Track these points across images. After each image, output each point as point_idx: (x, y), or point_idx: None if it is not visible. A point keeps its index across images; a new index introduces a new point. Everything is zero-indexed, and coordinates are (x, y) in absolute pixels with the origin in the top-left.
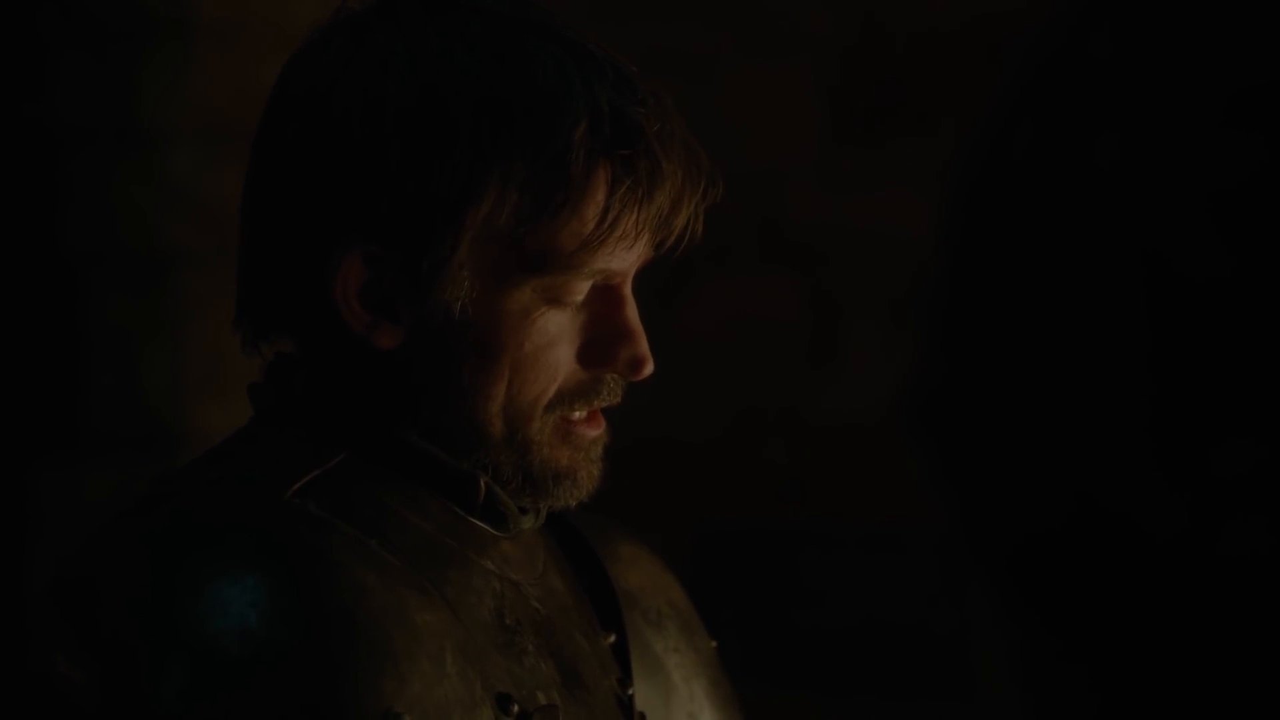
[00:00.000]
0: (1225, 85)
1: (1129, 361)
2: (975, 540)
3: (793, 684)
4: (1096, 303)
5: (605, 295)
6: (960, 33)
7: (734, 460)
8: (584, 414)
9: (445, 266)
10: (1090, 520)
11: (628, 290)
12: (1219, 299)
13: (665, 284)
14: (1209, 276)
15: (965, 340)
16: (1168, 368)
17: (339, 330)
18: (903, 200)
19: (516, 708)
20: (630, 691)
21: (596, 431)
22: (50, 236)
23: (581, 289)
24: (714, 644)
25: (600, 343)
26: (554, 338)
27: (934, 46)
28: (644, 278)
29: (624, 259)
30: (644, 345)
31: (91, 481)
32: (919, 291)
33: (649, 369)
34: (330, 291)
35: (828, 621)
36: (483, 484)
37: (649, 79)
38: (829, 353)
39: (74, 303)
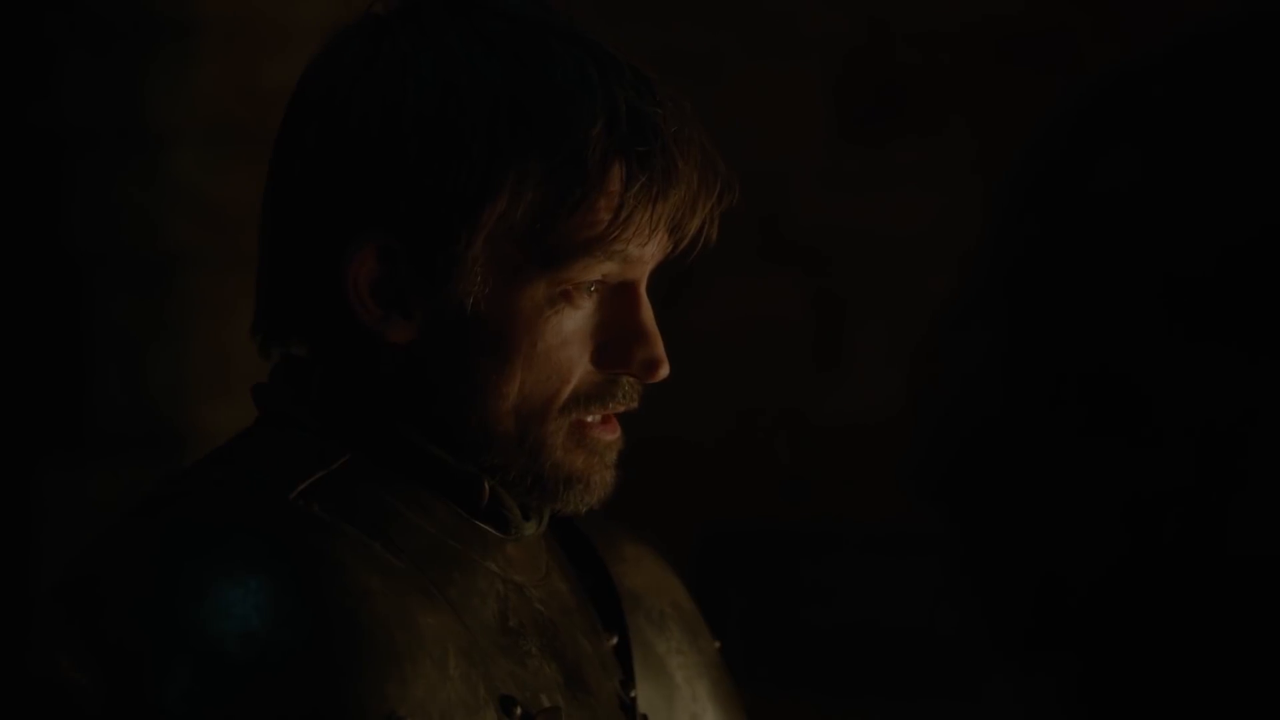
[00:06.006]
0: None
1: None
2: (995, 624)
3: (796, 684)
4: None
5: (620, 297)
6: (964, 34)
7: (738, 461)
8: (599, 418)
9: (459, 262)
10: (1124, 587)
11: (643, 292)
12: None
13: (670, 284)
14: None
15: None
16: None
17: (352, 328)
18: (907, 201)
19: (520, 710)
20: (633, 694)
21: (612, 436)
22: (55, 237)
23: (593, 285)
24: (717, 644)
25: (615, 344)
26: (567, 337)
27: (938, 47)
28: (650, 278)
29: (637, 258)
30: (659, 347)
31: (96, 481)
32: (983, 306)
33: (664, 371)
34: (343, 286)
35: (831, 622)
36: (487, 487)
37: (668, 82)
38: (833, 353)
39: (78, 303)
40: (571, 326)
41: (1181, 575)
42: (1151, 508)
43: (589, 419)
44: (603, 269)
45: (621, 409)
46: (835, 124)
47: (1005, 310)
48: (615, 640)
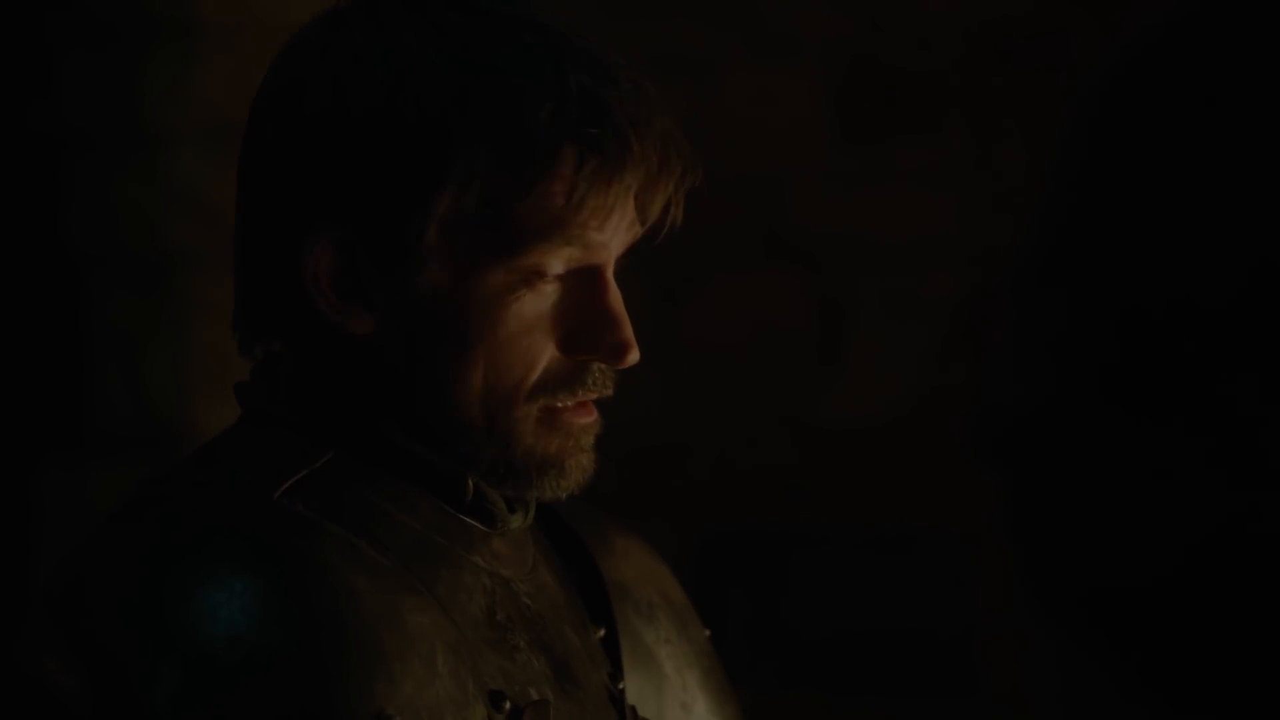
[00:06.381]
0: None
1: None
2: (1045, 586)
3: (797, 683)
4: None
5: (586, 281)
6: (965, 35)
7: (740, 463)
8: (572, 404)
9: (414, 251)
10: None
11: (609, 276)
12: None
13: (671, 287)
14: None
15: (1046, 362)
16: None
17: (319, 322)
18: (907, 202)
19: (509, 704)
20: (621, 685)
21: (587, 419)
22: (53, 238)
23: (554, 271)
24: (707, 633)
25: (582, 330)
26: (530, 323)
27: (939, 48)
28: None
29: (599, 242)
30: (627, 331)
31: (95, 481)
32: (984, 307)
33: (633, 356)
34: (303, 278)
35: (833, 623)
36: (470, 484)
37: (632, 68)
38: (835, 355)
39: (77, 303)
40: (534, 313)
41: (1229, 565)
42: (1203, 496)
43: (560, 405)
44: (563, 254)
45: (595, 396)
46: (837, 125)
47: (1054, 292)
48: (603, 632)
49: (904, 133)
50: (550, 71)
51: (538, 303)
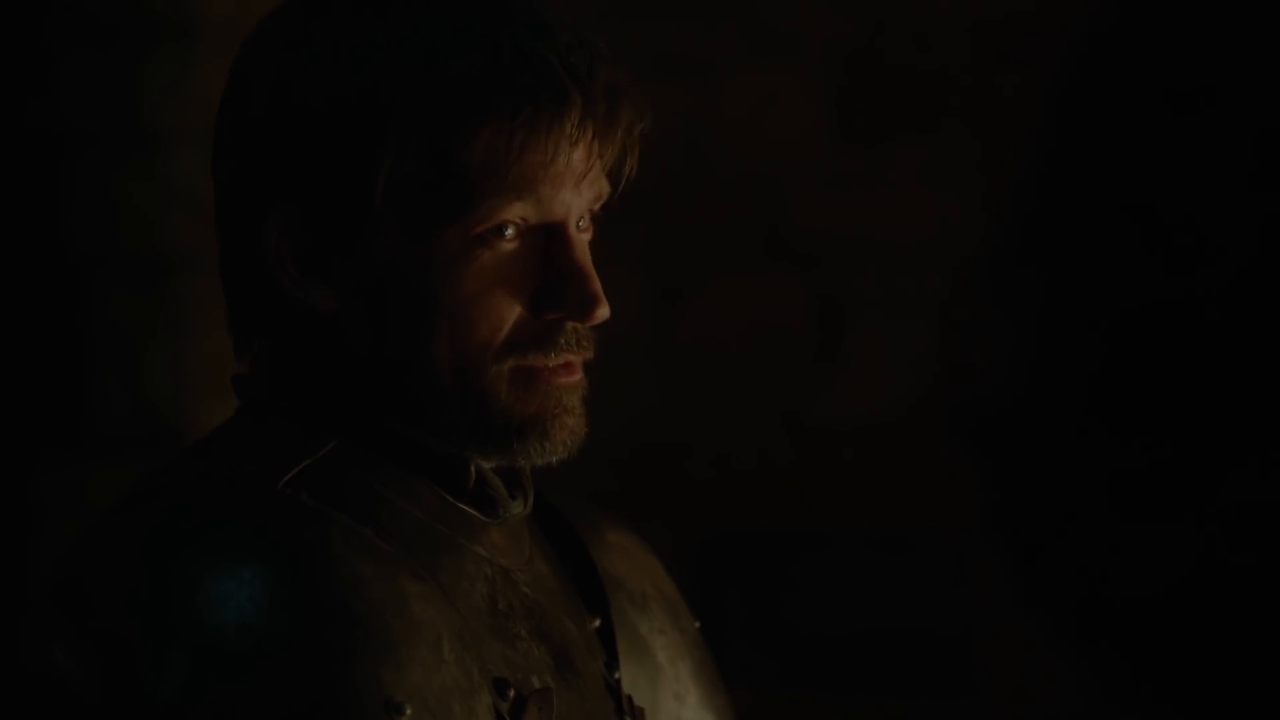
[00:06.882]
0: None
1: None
2: (1040, 585)
3: (796, 683)
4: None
5: (548, 238)
6: (965, 35)
7: (740, 463)
8: (550, 364)
9: (366, 219)
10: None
11: (572, 232)
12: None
13: (671, 287)
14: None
15: (1018, 344)
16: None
17: (292, 307)
18: (908, 202)
19: (513, 692)
20: (617, 675)
21: (569, 379)
22: (53, 237)
23: (510, 228)
24: (698, 624)
25: (549, 287)
26: (491, 282)
27: (939, 48)
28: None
29: (550, 194)
30: (594, 285)
31: (94, 482)
32: (984, 306)
33: (602, 310)
34: (267, 259)
35: (833, 623)
36: (473, 469)
37: (579, 27)
38: (834, 355)
39: (77, 303)
40: (494, 272)
41: (1228, 566)
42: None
43: (534, 365)
44: (515, 210)
45: (574, 357)
46: (837, 125)
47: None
48: (598, 622)
49: (904, 133)
50: (483, 28)
51: (497, 261)
